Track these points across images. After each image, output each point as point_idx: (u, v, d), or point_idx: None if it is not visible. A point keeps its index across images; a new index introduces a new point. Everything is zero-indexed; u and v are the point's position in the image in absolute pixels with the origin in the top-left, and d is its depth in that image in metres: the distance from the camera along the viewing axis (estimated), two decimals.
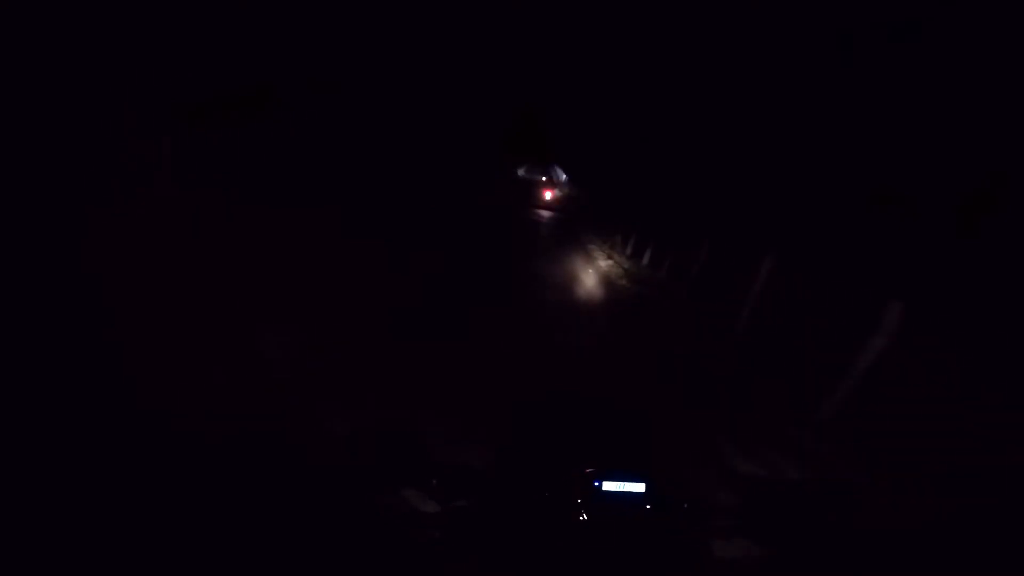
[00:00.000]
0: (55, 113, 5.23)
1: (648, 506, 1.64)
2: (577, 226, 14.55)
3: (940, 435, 3.93)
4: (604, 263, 12.52)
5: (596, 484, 1.64)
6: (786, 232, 6.93)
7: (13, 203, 4.42)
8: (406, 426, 1.77)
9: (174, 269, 4.90)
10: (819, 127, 6.65)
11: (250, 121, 8.74)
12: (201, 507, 1.58)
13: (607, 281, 11.13)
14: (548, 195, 15.59)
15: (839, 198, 6.36)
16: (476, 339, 5.76)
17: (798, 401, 5.08)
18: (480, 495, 1.71)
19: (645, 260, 11.89)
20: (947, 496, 2.98)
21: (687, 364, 6.10)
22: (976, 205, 5.04)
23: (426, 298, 6.64)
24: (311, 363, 4.00)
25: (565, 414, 3.21)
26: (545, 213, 15.67)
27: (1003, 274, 4.54)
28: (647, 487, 1.65)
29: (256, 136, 8.81)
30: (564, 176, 16.63)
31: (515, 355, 5.40)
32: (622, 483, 1.65)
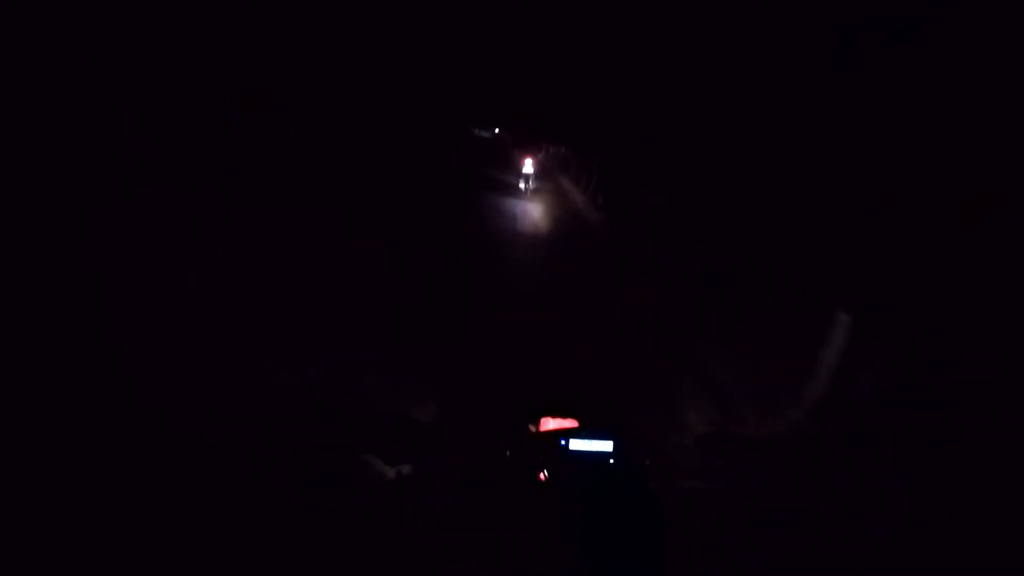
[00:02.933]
0: (55, 113, 5.22)
1: (612, 461, 1.64)
2: None
3: None
4: None
5: (563, 443, 1.63)
6: (786, 231, 6.93)
7: (13, 203, 4.42)
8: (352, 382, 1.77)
9: (174, 269, 4.90)
10: (819, 127, 6.64)
11: (250, 121, 8.74)
12: (201, 507, 1.58)
13: None
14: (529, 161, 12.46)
15: (839, 198, 6.36)
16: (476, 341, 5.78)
17: None
18: (436, 455, 1.70)
19: None
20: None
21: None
22: (976, 205, 5.04)
23: (426, 299, 6.65)
24: (311, 364, 4.00)
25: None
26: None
27: (1003, 274, 4.54)
28: (614, 445, 1.65)
29: (256, 136, 8.81)
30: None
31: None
32: (589, 441, 1.65)
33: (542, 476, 1.61)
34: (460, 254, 7.32)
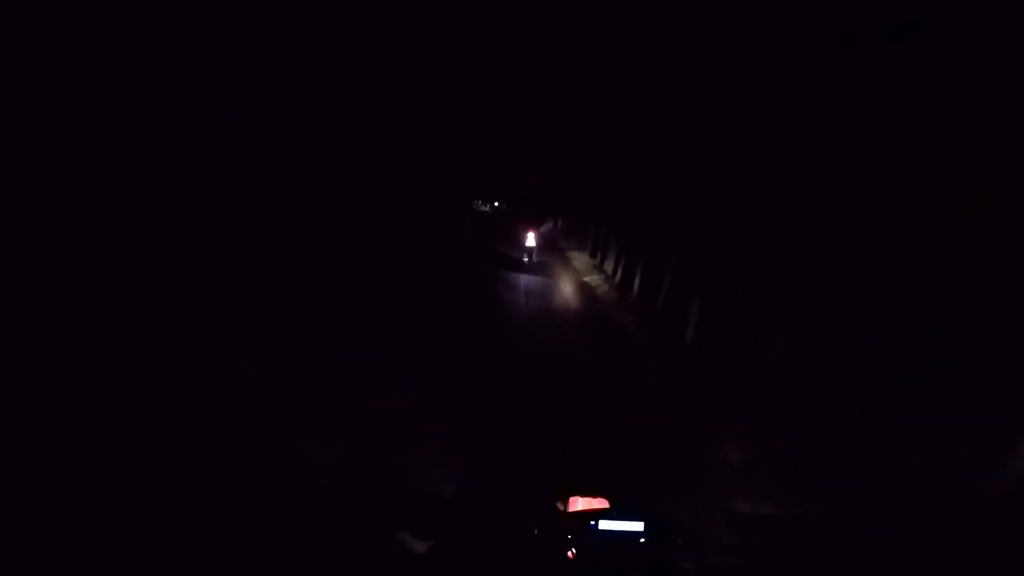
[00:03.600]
0: (55, 112, 5.22)
1: (642, 540, 1.62)
2: None
3: None
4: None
5: (593, 524, 1.61)
6: (786, 232, 6.93)
7: (13, 203, 4.41)
8: (384, 452, 1.77)
9: (174, 269, 4.90)
10: (819, 127, 6.63)
11: (250, 121, 8.73)
12: (201, 507, 1.58)
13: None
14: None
15: (839, 198, 6.36)
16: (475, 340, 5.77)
17: None
18: (465, 530, 1.68)
19: None
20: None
21: None
22: (976, 205, 5.04)
23: (426, 298, 6.65)
24: (311, 363, 4.00)
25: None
26: None
27: (1003, 274, 4.54)
28: (645, 525, 1.62)
29: (255, 136, 8.80)
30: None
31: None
32: (620, 522, 1.62)
33: (570, 555, 1.59)
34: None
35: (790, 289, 6.53)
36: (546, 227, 16.76)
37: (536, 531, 1.73)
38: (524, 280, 10.21)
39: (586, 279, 11.69)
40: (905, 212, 5.57)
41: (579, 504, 1.80)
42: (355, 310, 5.51)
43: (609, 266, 12.09)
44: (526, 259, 11.84)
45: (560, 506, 1.81)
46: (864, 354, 5.33)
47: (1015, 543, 1.65)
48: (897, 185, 5.75)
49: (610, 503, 1.78)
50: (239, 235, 6.39)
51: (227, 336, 4.05)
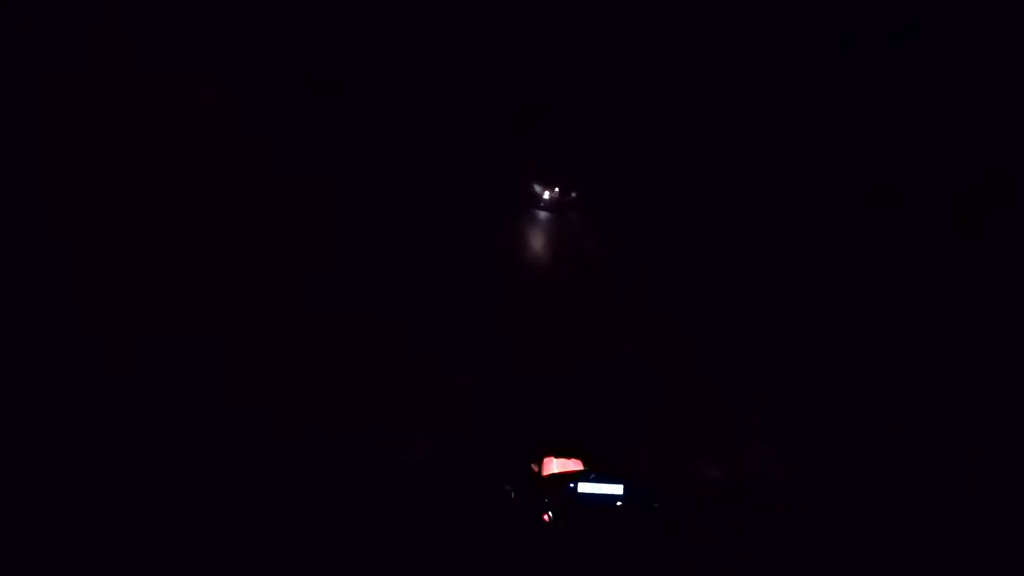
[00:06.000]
0: (53, 111, 5.22)
1: (619, 503, 1.63)
2: None
3: None
4: None
5: (571, 486, 1.62)
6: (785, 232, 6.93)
7: (13, 203, 4.42)
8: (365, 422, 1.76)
9: (171, 267, 4.89)
10: (819, 127, 6.64)
11: (251, 120, 8.71)
12: (201, 507, 1.58)
13: None
14: None
15: (839, 198, 6.37)
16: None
17: None
18: (444, 492, 1.70)
19: None
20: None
21: None
22: (976, 205, 5.05)
23: (426, 296, 6.62)
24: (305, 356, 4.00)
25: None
26: None
27: (1003, 274, 4.55)
28: (625, 488, 1.64)
29: (257, 136, 8.78)
30: None
31: None
32: (599, 485, 1.63)
33: (546, 517, 1.60)
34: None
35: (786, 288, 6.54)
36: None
37: (514, 495, 1.74)
38: None
39: None
40: (905, 212, 5.58)
41: (554, 466, 1.82)
42: (352, 306, 5.49)
43: None
44: None
45: (535, 467, 1.83)
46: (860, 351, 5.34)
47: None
48: (897, 185, 5.76)
49: (584, 465, 1.79)
50: (236, 233, 6.36)
51: (222, 333, 4.05)
